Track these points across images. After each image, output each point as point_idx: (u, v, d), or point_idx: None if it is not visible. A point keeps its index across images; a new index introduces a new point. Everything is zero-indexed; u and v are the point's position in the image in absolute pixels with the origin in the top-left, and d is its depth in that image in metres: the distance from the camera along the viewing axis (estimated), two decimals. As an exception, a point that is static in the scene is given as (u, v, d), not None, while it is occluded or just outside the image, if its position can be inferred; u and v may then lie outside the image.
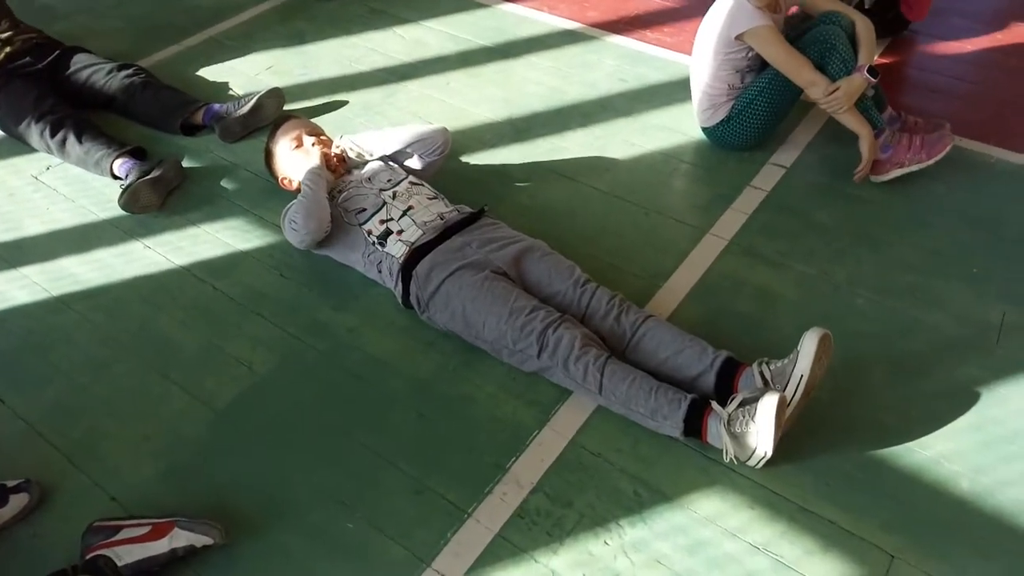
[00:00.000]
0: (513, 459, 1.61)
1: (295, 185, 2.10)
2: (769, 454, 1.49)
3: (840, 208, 2.19)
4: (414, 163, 2.15)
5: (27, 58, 2.58)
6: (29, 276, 2.08)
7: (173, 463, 1.64)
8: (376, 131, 2.21)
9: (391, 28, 3.09)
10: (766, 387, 1.58)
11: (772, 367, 1.60)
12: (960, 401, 1.68)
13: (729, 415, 1.52)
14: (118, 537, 1.41)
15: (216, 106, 2.56)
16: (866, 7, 2.61)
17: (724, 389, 1.63)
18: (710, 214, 2.18)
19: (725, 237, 2.10)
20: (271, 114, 2.54)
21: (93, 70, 2.61)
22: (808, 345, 1.55)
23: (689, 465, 1.58)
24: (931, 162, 2.16)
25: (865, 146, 2.15)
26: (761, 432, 1.47)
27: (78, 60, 2.64)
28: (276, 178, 2.21)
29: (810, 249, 2.06)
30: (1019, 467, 1.55)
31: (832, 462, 1.57)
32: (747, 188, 2.26)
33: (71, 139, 2.36)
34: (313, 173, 2.01)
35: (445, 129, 2.16)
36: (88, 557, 1.39)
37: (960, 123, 2.39)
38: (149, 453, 1.66)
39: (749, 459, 1.53)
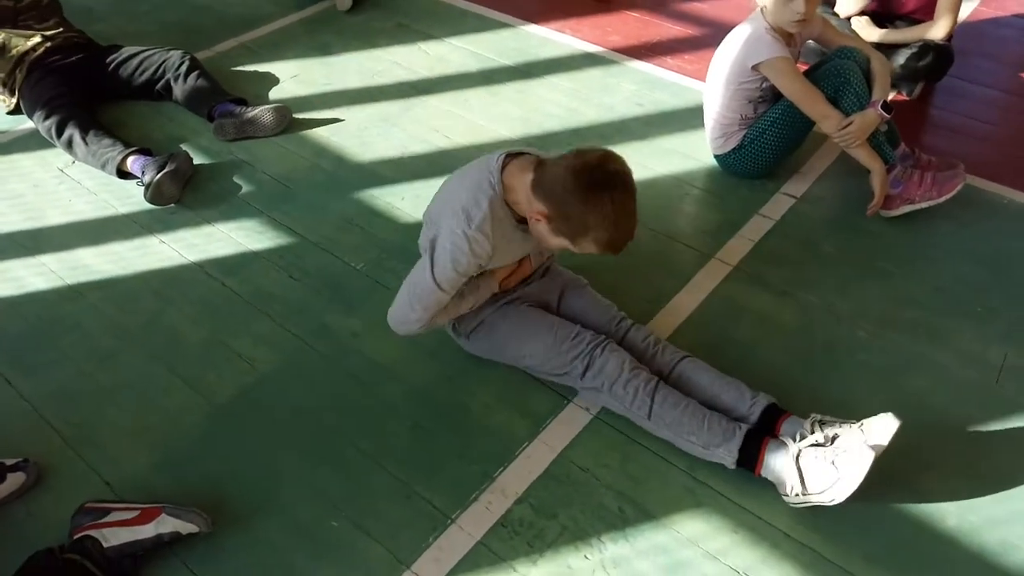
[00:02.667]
0: (501, 469, 1.62)
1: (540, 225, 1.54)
2: (836, 503, 1.45)
3: (847, 240, 2.18)
4: None
5: (66, 54, 2.68)
6: (47, 264, 2.14)
7: (169, 453, 1.67)
8: None
9: (416, 43, 3.15)
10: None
11: (826, 429, 1.54)
12: (955, 439, 1.67)
13: (800, 451, 1.50)
14: (107, 519, 1.44)
15: (229, 104, 2.64)
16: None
17: (763, 432, 1.59)
18: (717, 240, 2.19)
19: (730, 263, 2.11)
20: (270, 128, 2.59)
21: (148, 53, 2.75)
22: (885, 430, 1.48)
23: (676, 485, 1.58)
24: (942, 200, 2.16)
25: (877, 181, 2.15)
26: (844, 481, 1.43)
27: (125, 50, 2.76)
28: (540, 212, 1.50)
29: (815, 279, 2.06)
30: (1008, 507, 1.53)
31: (821, 492, 1.56)
32: (756, 216, 2.27)
33: (76, 139, 2.44)
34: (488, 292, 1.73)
35: None
36: (76, 537, 1.42)
37: (975, 163, 2.38)
38: (147, 442, 1.69)
39: (809, 498, 1.48)
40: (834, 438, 1.52)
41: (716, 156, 2.42)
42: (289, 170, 2.48)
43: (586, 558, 1.46)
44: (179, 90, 2.69)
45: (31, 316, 1.99)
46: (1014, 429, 1.68)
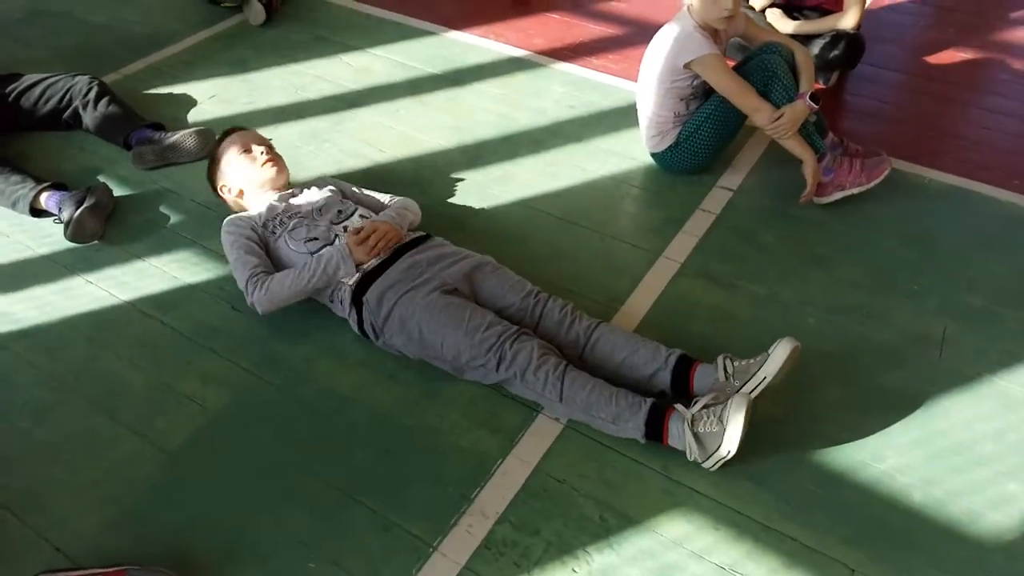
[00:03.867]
0: (478, 489, 1.59)
1: (233, 194, 2.14)
2: (732, 454, 1.52)
3: (786, 229, 2.25)
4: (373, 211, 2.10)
5: None
6: (-39, 316, 1.98)
7: (123, 509, 1.57)
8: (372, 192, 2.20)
9: (337, 55, 3.07)
10: (727, 381, 1.64)
11: (736, 363, 1.66)
12: (908, 414, 1.74)
13: (693, 416, 1.57)
14: None
15: (146, 130, 2.50)
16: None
17: (679, 386, 1.69)
18: (662, 237, 2.22)
19: (678, 260, 2.14)
20: (194, 152, 2.46)
21: (51, 80, 2.58)
22: (780, 352, 1.62)
23: (654, 488, 1.59)
24: (871, 185, 2.25)
25: (809, 170, 2.22)
26: (728, 433, 1.51)
27: (26, 78, 2.59)
28: (214, 186, 2.18)
29: (759, 270, 2.12)
30: (967, 478, 1.61)
31: (791, 479, 1.61)
32: (697, 211, 2.31)
33: None
34: (335, 267, 1.85)
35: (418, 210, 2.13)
36: None
37: (893, 145, 2.50)
38: (97, 500, 1.59)
39: (709, 458, 1.56)
40: (734, 377, 1.64)
41: (652, 154, 2.45)
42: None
43: (574, 571, 1.45)
44: (89, 118, 2.53)
45: (-51, 374, 1.84)
46: (959, 400, 1.77)
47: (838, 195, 2.27)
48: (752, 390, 1.62)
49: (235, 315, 1.99)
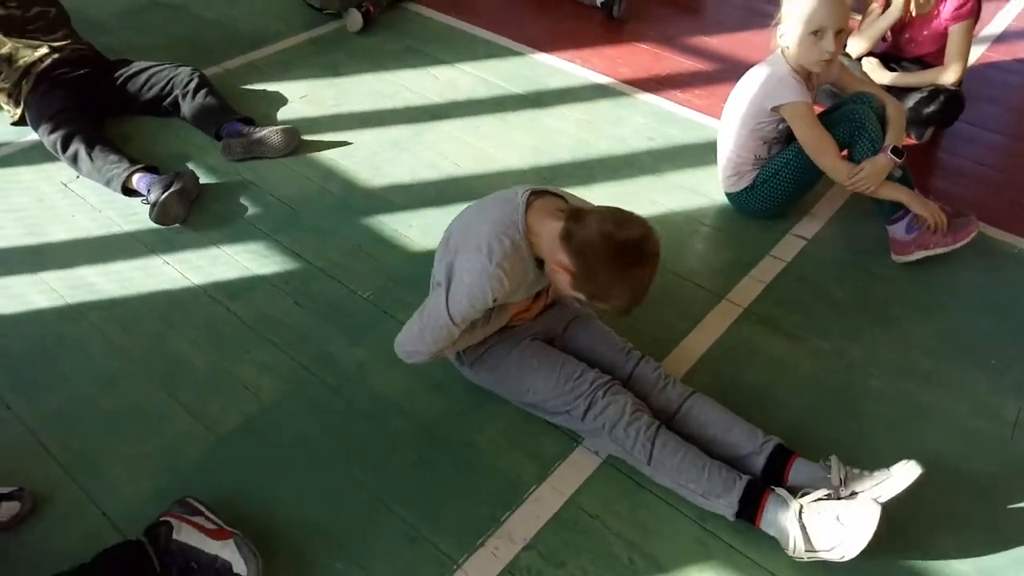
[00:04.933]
0: (509, 513, 1.59)
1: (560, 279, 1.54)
2: (846, 560, 1.42)
3: (859, 285, 2.17)
4: None
5: (73, 67, 2.65)
6: (48, 282, 2.10)
7: (170, 484, 1.63)
8: None
9: (426, 68, 3.14)
10: (839, 484, 1.53)
11: (851, 470, 1.55)
12: (969, 494, 1.65)
13: (802, 507, 1.48)
14: (192, 518, 1.47)
15: (237, 123, 2.62)
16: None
17: (771, 474, 1.59)
18: (728, 280, 2.17)
19: (741, 304, 2.09)
20: (279, 149, 2.57)
21: (156, 68, 2.73)
22: (905, 475, 1.50)
23: (686, 535, 1.56)
24: (956, 246, 2.16)
25: (915, 205, 2.12)
26: (854, 536, 1.41)
27: (134, 65, 2.75)
28: (563, 266, 1.49)
29: (826, 324, 2.05)
30: (1026, 571, 1.51)
31: (834, 546, 1.54)
32: (767, 257, 2.26)
33: (81, 154, 2.40)
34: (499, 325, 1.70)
35: None
36: (160, 519, 1.47)
37: (984, 209, 2.38)
38: (147, 472, 1.66)
39: (816, 553, 1.45)
40: (844, 485, 1.51)
41: (728, 194, 2.41)
42: (297, 193, 2.45)
43: (596, 610, 1.43)
44: (187, 107, 2.67)
45: (31, 335, 1.95)
46: (1027, 486, 1.67)
47: (920, 254, 2.18)
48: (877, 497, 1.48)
49: (297, 310, 2.05)
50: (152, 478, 1.64)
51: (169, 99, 2.70)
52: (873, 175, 2.11)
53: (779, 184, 2.27)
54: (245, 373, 1.87)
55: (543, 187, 1.63)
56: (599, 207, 1.53)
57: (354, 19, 3.32)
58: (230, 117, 2.64)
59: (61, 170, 2.49)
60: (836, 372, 1.92)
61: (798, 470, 1.57)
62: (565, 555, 1.52)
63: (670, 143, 2.75)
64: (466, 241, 1.57)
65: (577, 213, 1.47)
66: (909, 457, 1.52)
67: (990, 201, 2.50)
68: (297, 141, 2.62)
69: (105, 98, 2.68)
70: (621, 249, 1.42)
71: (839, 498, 1.50)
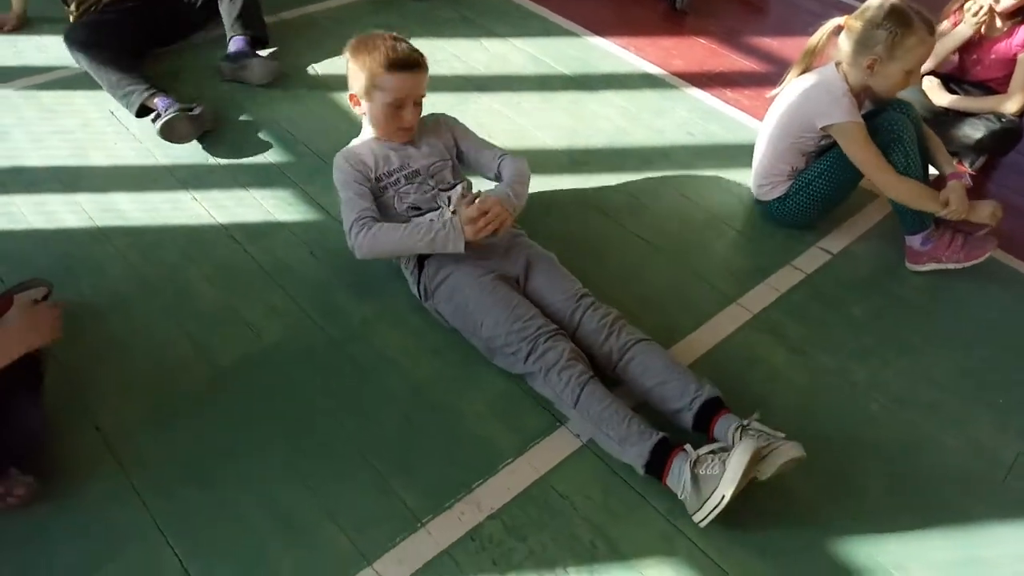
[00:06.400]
0: (481, 481, 1.61)
1: (356, 110, 2.00)
2: (726, 500, 1.45)
3: (877, 305, 2.12)
4: (479, 176, 2.13)
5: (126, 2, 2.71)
6: (81, 203, 2.19)
7: (161, 406, 1.69)
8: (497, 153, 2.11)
9: (478, 39, 3.14)
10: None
11: (757, 426, 1.58)
12: (951, 530, 1.61)
13: (698, 457, 1.52)
14: None
15: (243, 42, 2.73)
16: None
17: (702, 430, 1.65)
18: (743, 284, 2.14)
19: (751, 310, 2.06)
20: (255, 80, 2.70)
21: None
22: (792, 450, 1.52)
23: (654, 529, 1.55)
24: (968, 264, 2.15)
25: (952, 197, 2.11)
26: (727, 476, 1.45)
27: None
28: (349, 77, 1.96)
29: (836, 341, 2.00)
30: (995, 613, 1.47)
31: (799, 562, 1.52)
32: (787, 266, 2.21)
33: (107, 66, 2.48)
34: (444, 241, 1.79)
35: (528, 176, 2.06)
36: None
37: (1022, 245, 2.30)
38: (141, 392, 1.72)
39: (703, 506, 1.49)
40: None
41: (758, 201, 2.37)
42: (331, 147, 2.44)
43: (548, 586, 1.44)
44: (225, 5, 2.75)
45: (57, 252, 2.04)
46: (1015, 532, 1.61)
47: (931, 266, 2.18)
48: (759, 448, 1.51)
49: (312, 260, 2.09)
50: (145, 397, 1.70)
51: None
52: (961, 202, 2.09)
53: (811, 196, 2.22)
54: (251, 314, 1.93)
55: None
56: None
57: (414, -18, 3.34)
58: (248, 31, 2.74)
59: (110, 98, 2.57)
60: (836, 390, 1.88)
61: (722, 426, 1.61)
62: (528, 530, 1.53)
63: (710, 140, 2.70)
64: None
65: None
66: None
67: (1034, 239, 2.41)
68: (276, 73, 2.72)
69: (162, 17, 2.75)
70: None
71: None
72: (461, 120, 2.19)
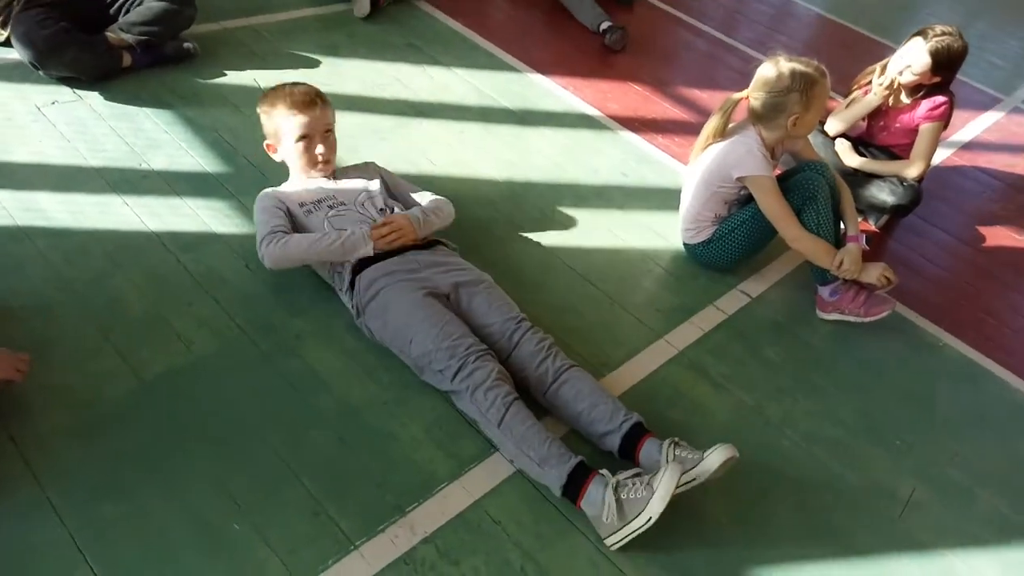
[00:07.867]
0: (416, 505, 1.62)
1: (275, 157, 2.17)
2: (653, 521, 1.52)
3: (791, 350, 2.26)
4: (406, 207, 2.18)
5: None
6: (0, 200, 2.08)
7: (83, 419, 1.63)
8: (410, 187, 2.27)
9: (423, 65, 3.19)
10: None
11: (679, 452, 1.68)
12: (849, 561, 1.72)
13: (618, 482, 1.58)
14: None
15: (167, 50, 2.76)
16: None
17: (628, 454, 1.73)
18: (669, 321, 2.25)
19: (677, 347, 2.17)
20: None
21: None
22: (715, 458, 1.63)
23: (582, 555, 1.60)
24: (866, 320, 2.34)
25: (846, 259, 2.28)
26: (656, 497, 1.52)
27: None
28: (263, 128, 2.16)
29: (752, 380, 2.13)
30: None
31: (717, 589, 1.60)
32: (710, 307, 2.34)
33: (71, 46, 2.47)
34: (353, 246, 1.93)
35: (450, 213, 2.18)
36: None
37: (921, 302, 2.51)
38: (63, 403, 1.65)
39: (625, 526, 1.55)
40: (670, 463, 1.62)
41: (684, 244, 2.49)
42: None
43: (479, 610, 1.47)
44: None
45: (-28, 249, 1.94)
46: (907, 566, 1.75)
47: (835, 316, 2.37)
48: (687, 482, 1.62)
49: (247, 273, 2.06)
50: (66, 410, 1.64)
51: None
52: (854, 264, 2.26)
53: (734, 242, 2.36)
54: (181, 325, 1.88)
55: None
56: None
57: (362, 4, 3.36)
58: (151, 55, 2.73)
59: (38, 93, 2.47)
60: (752, 426, 1.99)
61: (648, 451, 1.70)
62: (461, 554, 1.55)
63: (642, 183, 2.83)
64: None
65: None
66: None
67: (927, 294, 2.63)
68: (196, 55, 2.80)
69: (90, 14, 2.67)
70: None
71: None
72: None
